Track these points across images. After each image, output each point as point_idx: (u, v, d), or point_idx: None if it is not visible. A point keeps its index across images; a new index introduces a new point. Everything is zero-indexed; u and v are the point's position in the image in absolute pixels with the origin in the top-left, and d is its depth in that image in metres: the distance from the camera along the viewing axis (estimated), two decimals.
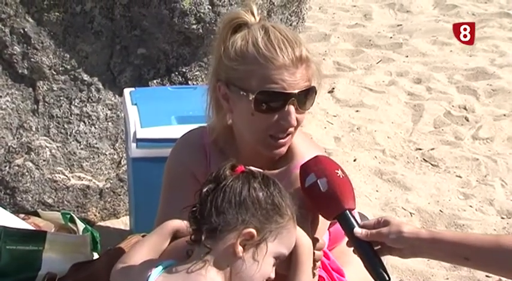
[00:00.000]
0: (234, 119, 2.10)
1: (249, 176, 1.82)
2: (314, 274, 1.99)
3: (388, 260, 3.09)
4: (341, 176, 1.96)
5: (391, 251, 1.95)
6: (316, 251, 1.99)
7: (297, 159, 2.09)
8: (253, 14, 2.07)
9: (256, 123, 2.03)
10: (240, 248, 1.76)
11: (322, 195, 1.93)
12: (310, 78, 2.03)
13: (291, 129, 2.04)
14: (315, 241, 2.00)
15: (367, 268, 1.93)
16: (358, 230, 1.93)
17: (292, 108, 2.00)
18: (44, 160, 3.42)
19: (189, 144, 2.23)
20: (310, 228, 1.98)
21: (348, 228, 1.95)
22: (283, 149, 2.08)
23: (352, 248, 1.97)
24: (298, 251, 1.90)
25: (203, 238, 1.77)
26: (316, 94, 2.05)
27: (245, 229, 1.76)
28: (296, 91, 1.99)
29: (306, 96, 2.02)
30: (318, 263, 2.03)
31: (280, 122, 2.01)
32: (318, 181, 1.94)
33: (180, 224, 1.96)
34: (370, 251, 1.93)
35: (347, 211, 1.94)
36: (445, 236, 1.91)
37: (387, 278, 1.89)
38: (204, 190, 1.80)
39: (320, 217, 2.00)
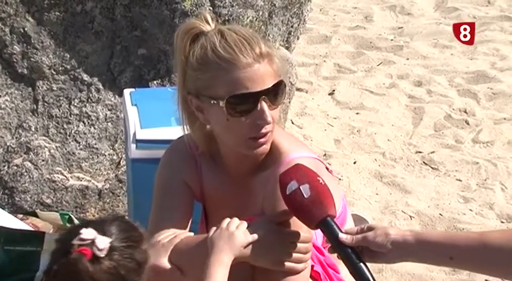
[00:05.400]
0: (213, 128, 2.10)
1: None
2: (298, 269, 2.00)
3: (388, 264, 3.10)
4: (322, 183, 1.96)
5: (375, 258, 1.92)
6: (301, 244, 2.00)
7: (283, 157, 2.09)
8: (208, 22, 2.07)
9: (233, 128, 2.02)
10: None
11: (304, 202, 1.92)
12: (276, 73, 2.03)
13: (269, 127, 2.03)
14: (296, 234, 2.00)
15: (353, 275, 1.90)
16: (343, 236, 1.91)
17: (264, 105, 1.99)
18: (42, 160, 3.41)
19: (178, 153, 2.23)
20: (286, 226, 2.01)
21: (331, 234, 1.93)
22: (266, 147, 2.07)
23: (336, 254, 1.96)
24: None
25: None
26: (286, 87, 2.06)
27: None
28: (265, 88, 1.99)
29: (276, 91, 2.02)
30: (308, 255, 2.03)
31: (257, 122, 2.01)
32: (300, 187, 1.93)
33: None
34: (355, 257, 1.91)
35: (329, 218, 1.94)
36: (430, 237, 1.90)
37: None
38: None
39: None
